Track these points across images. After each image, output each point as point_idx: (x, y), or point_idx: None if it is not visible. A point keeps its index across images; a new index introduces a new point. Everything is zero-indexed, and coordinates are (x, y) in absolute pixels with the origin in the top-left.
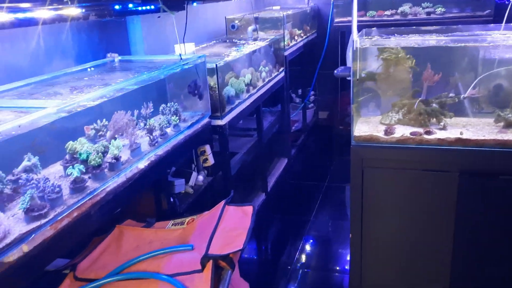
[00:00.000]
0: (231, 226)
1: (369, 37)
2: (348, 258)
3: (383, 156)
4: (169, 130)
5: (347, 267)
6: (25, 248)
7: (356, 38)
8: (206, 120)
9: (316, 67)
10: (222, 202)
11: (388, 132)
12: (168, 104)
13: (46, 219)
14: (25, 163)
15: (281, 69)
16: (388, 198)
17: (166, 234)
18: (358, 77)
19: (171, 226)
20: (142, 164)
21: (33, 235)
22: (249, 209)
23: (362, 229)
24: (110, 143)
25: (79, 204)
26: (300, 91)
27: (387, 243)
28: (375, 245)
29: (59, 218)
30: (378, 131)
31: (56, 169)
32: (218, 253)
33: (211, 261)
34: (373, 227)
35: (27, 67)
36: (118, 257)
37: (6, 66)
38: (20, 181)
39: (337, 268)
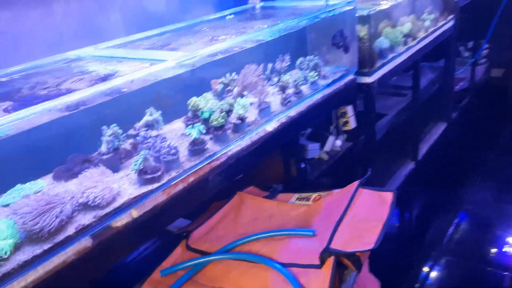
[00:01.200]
0: (363, 215)
1: None
2: None
3: None
4: (304, 88)
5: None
6: (134, 213)
7: None
8: (350, 77)
9: (494, 15)
10: (356, 183)
11: None
12: (307, 58)
13: (159, 183)
14: (146, 117)
15: (450, 17)
16: None
17: (288, 210)
18: None
19: (295, 201)
20: (271, 127)
21: (143, 200)
22: (388, 196)
23: None
24: (236, 101)
25: (197, 169)
26: (470, 43)
27: None
28: None
29: (173, 183)
30: None
31: (179, 125)
32: (342, 250)
33: (332, 257)
34: None
35: (165, 14)
36: (234, 229)
37: (143, 13)
38: (137, 138)
39: (495, 262)
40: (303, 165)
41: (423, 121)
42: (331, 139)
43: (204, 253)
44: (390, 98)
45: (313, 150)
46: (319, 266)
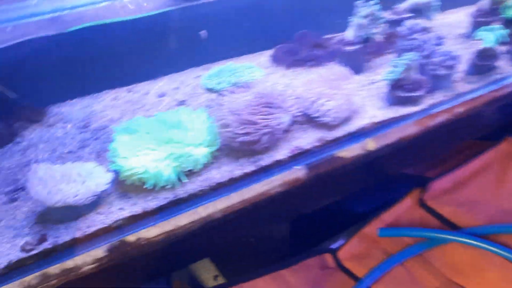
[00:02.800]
0: None
1: None
2: None
3: None
4: None
5: None
6: (370, 144)
7: None
8: None
9: None
10: None
11: None
12: None
13: (415, 108)
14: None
15: None
16: None
17: None
18: None
19: None
20: None
21: (388, 128)
22: None
23: None
24: None
25: (473, 96)
26: None
27: None
28: None
29: (434, 111)
30: None
31: (459, 17)
32: None
33: None
34: None
35: None
36: (495, 195)
37: None
38: (398, 28)
39: None
40: None
41: None
42: None
43: (444, 220)
44: None
45: None
46: None
